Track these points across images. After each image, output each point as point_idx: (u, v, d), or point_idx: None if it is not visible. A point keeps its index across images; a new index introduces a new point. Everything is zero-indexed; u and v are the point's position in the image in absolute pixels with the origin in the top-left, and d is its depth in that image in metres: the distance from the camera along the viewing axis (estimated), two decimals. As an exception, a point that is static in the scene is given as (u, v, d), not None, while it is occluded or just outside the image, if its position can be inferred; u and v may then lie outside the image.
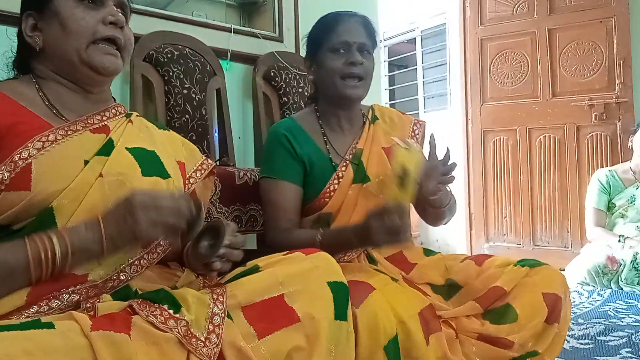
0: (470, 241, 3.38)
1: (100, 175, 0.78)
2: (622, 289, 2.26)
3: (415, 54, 4.20)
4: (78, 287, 0.73)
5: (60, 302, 0.72)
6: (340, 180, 1.19)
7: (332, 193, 1.19)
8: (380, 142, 1.25)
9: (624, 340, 1.64)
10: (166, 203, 0.73)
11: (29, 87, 0.84)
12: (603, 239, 2.47)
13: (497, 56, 3.24)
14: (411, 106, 4.19)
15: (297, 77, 2.10)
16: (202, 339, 0.67)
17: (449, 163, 1.10)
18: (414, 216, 1.47)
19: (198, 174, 1.01)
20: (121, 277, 0.78)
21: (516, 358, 1.00)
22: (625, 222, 2.48)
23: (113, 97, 0.95)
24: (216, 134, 1.89)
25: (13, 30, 0.90)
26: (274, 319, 0.72)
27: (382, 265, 1.17)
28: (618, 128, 2.91)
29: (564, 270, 2.38)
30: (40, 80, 0.85)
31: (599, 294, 2.22)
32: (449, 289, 1.14)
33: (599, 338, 1.68)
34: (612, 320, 1.86)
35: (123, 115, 0.91)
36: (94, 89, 0.88)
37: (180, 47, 1.83)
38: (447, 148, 1.12)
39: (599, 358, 1.52)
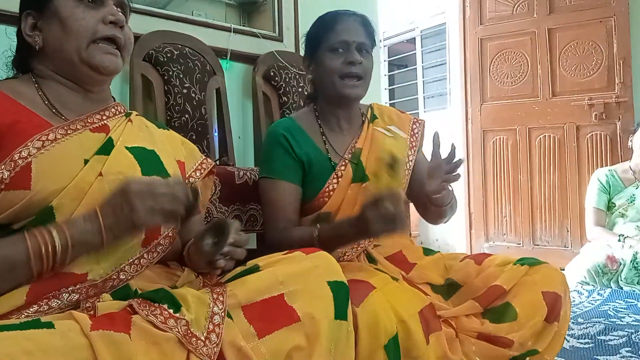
0: (470, 241, 3.38)
1: (100, 174, 0.78)
2: (622, 288, 2.26)
3: (415, 53, 4.20)
4: (78, 286, 0.73)
5: (59, 302, 0.72)
6: (340, 179, 1.19)
7: (331, 192, 1.19)
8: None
9: (623, 339, 1.64)
10: (162, 189, 0.73)
11: (28, 86, 0.84)
12: (603, 238, 2.47)
13: (496, 56, 3.24)
14: (411, 106, 4.19)
15: (297, 76, 2.10)
16: (202, 338, 0.67)
17: (455, 160, 1.08)
18: (414, 215, 1.47)
19: (198, 174, 1.01)
20: (121, 277, 0.78)
21: (516, 357, 1.00)
22: (625, 222, 2.48)
23: (113, 97, 0.95)
24: (216, 134, 1.89)
25: (12, 30, 0.89)
26: (274, 319, 0.72)
27: (381, 265, 1.17)
28: (618, 128, 2.91)
29: (563, 269, 2.38)
30: (39, 79, 0.85)
31: (598, 294, 2.22)
32: (449, 289, 1.14)
33: (598, 337, 1.68)
34: (612, 319, 1.86)
35: (123, 114, 0.91)
36: (94, 88, 0.88)
37: (180, 46, 1.83)
38: (453, 145, 1.10)
39: (598, 357, 1.52)
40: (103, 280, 0.76)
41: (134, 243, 0.80)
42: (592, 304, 2.10)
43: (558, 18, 3.05)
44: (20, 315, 0.69)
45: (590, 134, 2.99)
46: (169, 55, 1.77)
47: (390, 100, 4.49)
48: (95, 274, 0.75)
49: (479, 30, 3.29)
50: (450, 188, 1.15)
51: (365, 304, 0.88)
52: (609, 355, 1.53)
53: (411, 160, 1.28)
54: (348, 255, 1.16)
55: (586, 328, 1.75)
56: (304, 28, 1.30)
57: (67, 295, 0.72)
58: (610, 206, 2.56)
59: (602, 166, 2.81)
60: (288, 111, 2.01)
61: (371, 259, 1.19)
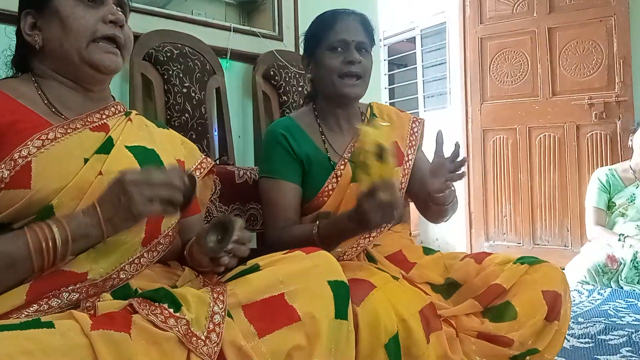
0: (470, 240, 3.38)
1: (100, 173, 0.78)
2: (622, 287, 2.26)
3: (415, 52, 4.20)
4: (78, 285, 0.73)
5: (59, 301, 0.72)
6: (339, 179, 1.19)
7: (331, 192, 1.18)
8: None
9: (624, 339, 1.64)
10: (157, 177, 0.72)
11: (28, 85, 0.84)
12: (603, 237, 2.47)
13: (497, 55, 3.24)
14: (411, 105, 4.19)
15: (297, 75, 2.09)
16: (203, 337, 0.67)
17: (458, 159, 1.07)
18: (414, 215, 1.47)
19: (197, 173, 1.01)
20: (121, 276, 0.78)
21: (516, 356, 1.00)
22: (625, 221, 2.48)
23: (112, 96, 0.95)
24: (216, 133, 1.89)
25: (12, 29, 0.89)
26: (275, 318, 0.72)
27: (381, 264, 1.17)
28: (618, 127, 2.91)
29: (564, 269, 2.38)
30: (39, 78, 0.85)
31: (599, 293, 2.22)
32: (449, 288, 1.14)
33: (599, 337, 1.68)
34: (612, 319, 1.86)
35: (122, 113, 0.91)
36: (94, 87, 0.88)
37: (179, 45, 1.83)
38: (457, 143, 1.09)
39: (599, 357, 1.52)
40: (103, 280, 0.76)
41: (134, 242, 0.80)
42: (593, 304, 2.10)
43: (558, 17, 3.05)
44: (20, 314, 0.69)
45: (591, 133, 2.99)
46: (168, 54, 1.77)
47: (390, 99, 4.49)
48: (95, 273, 0.75)
49: (479, 30, 3.29)
50: (452, 187, 1.14)
51: (365, 303, 0.88)
52: (609, 354, 1.53)
53: (411, 160, 1.28)
54: (348, 255, 1.16)
55: (586, 327, 1.75)
56: (304, 27, 1.30)
57: (67, 294, 0.72)
58: (610, 205, 2.56)
59: (602, 165, 2.81)
60: (288, 110, 2.01)
61: (371, 258, 1.19)
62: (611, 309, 2.01)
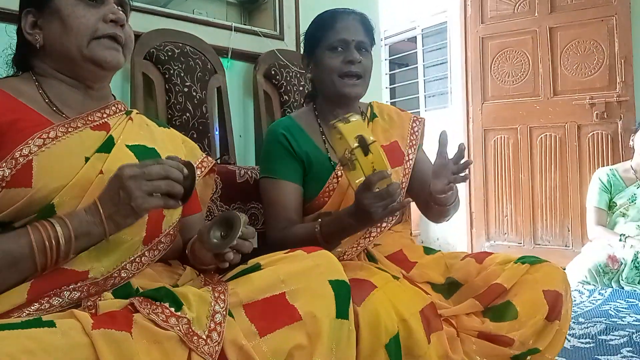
0: (471, 240, 3.38)
1: (101, 172, 0.78)
2: (622, 288, 2.26)
3: (416, 52, 4.20)
4: (79, 284, 0.73)
5: (61, 300, 0.72)
6: (339, 179, 1.18)
7: (332, 192, 1.18)
8: (380, 140, 1.24)
9: (624, 339, 1.64)
10: (155, 170, 0.72)
11: (28, 84, 0.84)
12: (604, 238, 2.47)
13: (498, 55, 3.23)
14: (412, 105, 4.19)
15: (298, 75, 2.09)
16: (204, 337, 0.67)
17: (462, 161, 1.06)
18: (415, 214, 1.47)
19: (198, 172, 1.01)
20: (122, 275, 0.78)
21: (517, 356, 1.00)
22: (626, 221, 2.48)
23: (113, 95, 0.95)
24: (217, 132, 1.89)
25: (13, 28, 0.89)
26: (276, 317, 0.72)
27: (382, 264, 1.16)
28: (619, 127, 2.90)
29: (564, 269, 2.38)
30: (40, 77, 0.85)
31: (599, 293, 2.22)
32: (449, 287, 1.14)
33: (599, 337, 1.67)
34: (612, 319, 1.86)
35: (123, 112, 0.91)
36: (95, 84, 0.88)
37: (181, 45, 1.83)
38: (461, 145, 1.08)
39: (599, 357, 1.52)
40: (104, 278, 0.76)
41: (135, 241, 0.80)
42: (593, 304, 2.10)
43: (559, 17, 3.05)
44: (21, 313, 0.69)
45: (592, 133, 2.99)
46: (169, 53, 1.77)
47: (391, 99, 4.49)
48: (97, 271, 0.75)
49: (480, 29, 3.29)
50: (455, 188, 1.14)
51: (366, 303, 0.88)
52: (610, 355, 1.53)
53: (411, 159, 1.28)
54: (348, 255, 1.16)
55: (587, 328, 1.75)
56: (305, 26, 1.30)
57: (68, 293, 0.72)
58: (611, 205, 2.56)
59: (603, 165, 2.81)
60: (289, 110, 2.01)
61: (371, 258, 1.18)
62: (612, 309, 2.01)
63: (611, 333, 1.70)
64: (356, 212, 0.99)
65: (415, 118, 1.34)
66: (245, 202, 1.46)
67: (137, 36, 1.65)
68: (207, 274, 0.93)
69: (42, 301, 0.71)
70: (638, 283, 2.25)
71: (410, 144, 1.29)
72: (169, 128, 1.03)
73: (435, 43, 4.05)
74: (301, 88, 2.08)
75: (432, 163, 1.12)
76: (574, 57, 3.01)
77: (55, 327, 0.61)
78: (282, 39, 2.18)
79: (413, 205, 1.30)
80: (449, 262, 1.20)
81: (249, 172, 1.48)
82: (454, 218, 1.27)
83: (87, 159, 0.78)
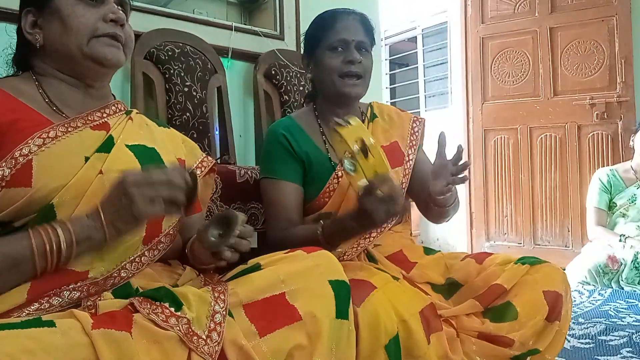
0: (471, 240, 3.38)
1: (101, 172, 0.78)
2: (622, 288, 2.26)
3: (416, 52, 4.20)
4: (79, 284, 0.73)
5: (60, 300, 0.72)
6: (340, 179, 1.18)
7: (332, 192, 1.18)
8: (380, 140, 1.24)
9: (624, 339, 1.64)
10: (158, 177, 0.72)
11: (28, 84, 0.84)
12: (604, 238, 2.47)
13: (498, 55, 3.23)
14: (412, 105, 4.19)
15: (298, 75, 2.09)
16: (204, 337, 0.67)
17: (461, 162, 1.06)
18: (415, 214, 1.47)
19: (198, 172, 1.01)
20: (122, 274, 0.78)
21: (517, 356, 1.00)
22: (626, 222, 2.48)
23: (113, 94, 0.95)
24: (217, 132, 1.89)
25: (13, 27, 0.89)
26: (276, 317, 0.72)
27: (382, 264, 1.16)
28: (619, 127, 2.90)
29: (564, 269, 2.38)
30: (40, 77, 0.85)
31: (599, 294, 2.22)
32: (449, 288, 1.14)
33: (599, 337, 1.67)
34: (612, 319, 1.86)
35: (123, 112, 0.91)
36: (95, 82, 0.88)
37: (181, 44, 1.83)
38: (459, 146, 1.08)
39: (599, 357, 1.52)
40: (104, 278, 0.76)
41: (135, 240, 0.80)
42: (593, 304, 2.10)
43: (560, 17, 3.05)
44: (21, 313, 0.69)
45: (592, 133, 2.99)
46: (170, 53, 1.77)
47: (391, 99, 4.48)
48: (97, 271, 0.75)
49: (481, 29, 3.29)
50: (454, 188, 1.14)
51: (366, 304, 0.88)
52: (610, 355, 1.53)
53: (411, 160, 1.28)
54: (348, 255, 1.16)
55: (587, 328, 1.75)
56: (305, 26, 1.30)
57: (68, 293, 0.72)
58: (611, 206, 2.56)
59: (604, 166, 2.81)
60: (289, 110, 2.01)
61: (371, 258, 1.18)
62: (612, 309, 2.01)
63: (611, 333, 1.70)
64: (358, 215, 0.99)
65: (415, 118, 1.34)
66: (245, 202, 1.46)
67: (138, 36, 1.65)
68: (207, 274, 0.93)
69: (42, 301, 0.70)
70: (638, 283, 2.25)
71: (411, 144, 1.29)
72: (169, 128, 1.03)
73: (435, 43, 4.05)
74: (301, 88, 2.08)
75: (432, 164, 1.12)
76: (574, 57, 3.01)
77: (55, 326, 0.61)
78: (283, 39, 2.18)
79: (413, 205, 1.30)
80: (449, 262, 1.20)
81: (249, 172, 1.48)
82: (454, 218, 1.27)
83: (86, 159, 0.78)
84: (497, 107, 3.25)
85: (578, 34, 3.00)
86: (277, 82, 2.04)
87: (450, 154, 1.08)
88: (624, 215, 2.50)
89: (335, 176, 1.19)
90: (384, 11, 3.36)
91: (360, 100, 1.29)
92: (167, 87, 1.74)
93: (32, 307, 0.70)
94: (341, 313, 0.77)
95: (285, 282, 0.75)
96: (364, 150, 0.93)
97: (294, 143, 1.20)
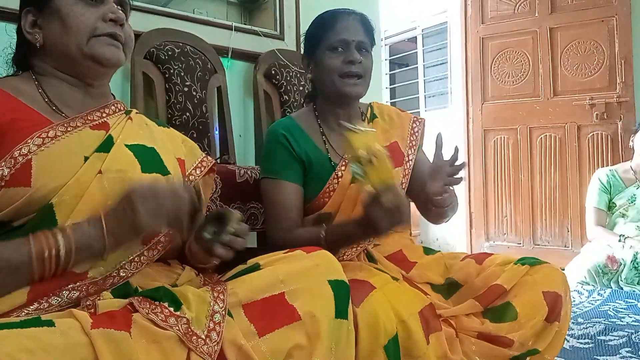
0: (471, 240, 3.38)
1: (100, 171, 0.78)
2: (622, 288, 2.26)
3: (416, 52, 4.20)
4: (78, 284, 0.73)
5: (59, 299, 0.72)
6: (340, 179, 1.18)
7: (332, 193, 1.18)
8: (379, 140, 1.24)
9: (623, 339, 1.64)
10: (166, 194, 0.72)
11: (28, 83, 0.84)
12: (603, 238, 2.47)
13: (498, 55, 3.23)
14: (412, 105, 4.19)
15: (298, 75, 2.09)
16: (203, 337, 0.67)
17: (457, 163, 1.07)
18: (414, 215, 1.47)
19: (198, 171, 1.01)
20: (121, 274, 0.78)
21: (516, 356, 1.00)
22: (625, 222, 2.48)
23: (112, 94, 0.95)
24: (217, 132, 1.89)
25: (12, 27, 0.89)
26: (275, 317, 0.72)
27: (381, 264, 1.16)
28: (619, 127, 2.90)
29: (564, 269, 2.38)
30: (39, 76, 0.85)
31: (599, 294, 2.22)
32: (449, 288, 1.14)
33: (598, 337, 1.68)
34: (612, 319, 1.86)
35: (123, 112, 0.91)
36: (95, 82, 0.88)
37: (181, 44, 1.83)
38: (456, 147, 1.09)
39: (598, 357, 1.52)
40: (103, 278, 0.76)
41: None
42: (592, 304, 2.10)
43: (560, 17, 3.05)
44: (20, 312, 0.69)
45: (592, 133, 2.99)
46: (170, 53, 1.77)
47: (391, 99, 4.48)
48: (96, 271, 0.75)
49: (481, 29, 3.29)
50: (452, 189, 1.14)
51: (365, 304, 0.88)
52: (609, 355, 1.53)
53: (411, 160, 1.28)
54: (348, 255, 1.16)
55: (586, 328, 1.75)
56: (306, 26, 1.30)
57: (67, 292, 0.72)
58: (610, 206, 2.56)
59: (603, 166, 2.81)
60: (289, 110, 2.01)
61: (371, 258, 1.19)
62: (611, 309, 2.01)
63: (610, 333, 1.70)
64: (363, 222, 1.00)
65: (415, 119, 1.34)
66: (245, 201, 1.46)
67: (137, 35, 1.65)
68: (206, 274, 0.93)
69: (41, 301, 0.70)
70: (637, 283, 2.25)
71: (410, 144, 1.29)
72: (168, 127, 1.03)
73: (435, 43, 4.05)
74: (301, 88, 2.08)
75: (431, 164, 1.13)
76: (574, 58, 3.01)
77: (55, 326, 0.61)
78: (283, 39, 2.18)
79: (412, 205, 1.30)
80: (449, 262, 1.20)
81: (248, 172, 1.48)
82: (454, 218, 1.27)
83: (86, 159, 0.78)
84: (497, 107, 3.25)
85: (578, 35, 3.00)
86: (277, 82, 2.04)
87: (448, 154, 1.08)
88: (623, 216, 2.50)
89: (335, 176, 1.19)
90: (384, 11, 3.36)
91: (360, 101, 1.29)
92: (167, 86, 1.74)
93: (32, 307, 0.70)
94: (340, 313, 0.77)
95: (284, 282, 0.75)
96: (371, 157, 0.94)
97: (294, 143, 1.20)
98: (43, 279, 0.69)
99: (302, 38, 1.32)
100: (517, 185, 3.20)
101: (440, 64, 4.00)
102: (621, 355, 1.53)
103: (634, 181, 2.52)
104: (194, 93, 1.79)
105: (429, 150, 1.25)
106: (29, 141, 0.74)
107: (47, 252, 0.67)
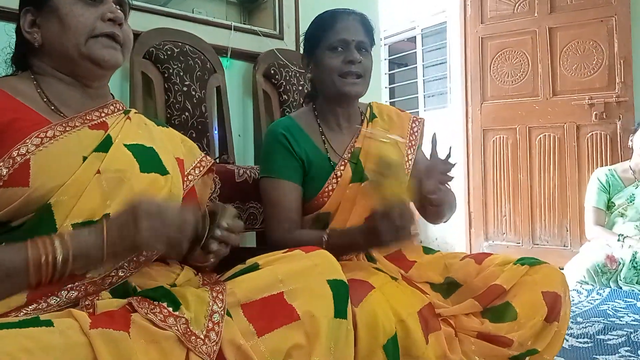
0: (470, 240, 3.38)
1: (98, 171, 0.78)
2: (621, 288, 2.26)
3: (416, 52, 4.20)
4: (77, 284, 0.73)
5: (58, 299, 0.71)
6: (339, 179, 1.18)
7: (331, 192, 1.18)
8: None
9: (622, 339, 1.64)
10: (172, 214, 0.71)
11: (27, 83, 0.84)
12: (602, 237, 2.47)
13: (497, 55, 3.23)
14: (411, 104, 4.19)
15: (297, 74, 2.09)
16: (202, 336, 0.67)
17: (450, 161, 1.09)
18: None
19: (197, 171, 1.01)
20: (120, 274, 0.78)
21: (516, 356, 1.00)
22: (624, 221, 2.48)
23: (112, 94, 0.94)
24: (216, 132, 1.89)
25: (12, 27, 0.89)
26: (274, 317, 0.72)
27: (381, 264, 1.17)
28: (618, 127, 2.90)
29: (563, 269, 2.39)
30: (38, 76, 0.85)
31: (598, 293, 2.22)
32: (448, 287, 1.14)
33: (598, 337, 1.68)
34: (611, 319, 1.87)
35: (121, 112, 0.91)
36: (93, 83, 0.87)
37: (180, 44, 1.83)
38: (449, 147, 1.11)
39: (598, 357, 1.52)
40: (102, 278, 0.76)
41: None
42: (592, 304, 2.10)
43: (559, 17, 3.05)
44: (18, 313, 0.69)
45: (591, 133, 2.99)
46: (169, 52, 1.77)
47: (390, 99, 4.48)
48: (94, 271, 0.75)
49: (480, 29, 3.29)
50: (447, 187, 1.15)
51: (364, 304, 0.88)
52: (608, 354, 1.53)
53: (410, 160, 1.28)
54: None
55: (585, 327, 1.75)
56: (305, 26, 1.30)
57: (65, 292, 0.72)
58: (609, 206, 2.56)
59: (602, 166, 2.81)
60: (288, 109, 2.01)
61: (370, 258, 1.19)
62: (610, 309, 2.02)
63: (609, 333, 1.70)
64: (367, 232, 1.01)
65: (414, 118, 1.35)
66: (244, 201, 1.46)
67: (137, 35, 1.64)
68: (205, 274, 0.93)
69: (40, 301, 0.70)
70: (636, 283, 2.25)
71: (410, 144, 1.29)
72: (167, 127, 1.03)
73: (434, 43, 4.05)
74: (300, 88, 2.08)
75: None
76: (574, 58, 3.01)
77: (53, 326, 0.61)
78: (282, 39, 2.18)
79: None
80: (448, 262, 1.21)
81: (248, 172, 1.48)
82: (453, 218, 1.28)
83: (84, 159, 0.78)
84: (496, 107, 3.25)
85: (577, 34, 3.00)
86: (276, 82, 2.04)
87: (443, 153, 1.11)
88: (622, 215, 2.50)
89: (334, 176, 1.19)
90: (384, 11, 3.36)
91: (360, 100, 1.29)
92: (166, 86, 1.74)
93: (30, 307, 0.69)
94: (339, 313, 0.77)
95: (283, 281, 0.75)
96: (387, 169, 0.94)
97: (293, 143, 1.20)
98: (39, 285, 0.68)
99: (301, 38, 1.32)
100: (516, 185, 3.20)
101: (440, 63, 4.00)
102: (620, 354, 1.53)
103: (633, 181, 2.52)
104: (193, 93, 1.79)
105: (429, 151, 1.25)
106: (27, 141, 0.74)
107: (44, 258, 0.66)
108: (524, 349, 1.01)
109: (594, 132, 2.98)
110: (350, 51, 1.18)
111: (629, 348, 1.57)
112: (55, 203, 0.73)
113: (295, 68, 2.08)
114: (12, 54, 0.90)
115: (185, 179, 0.97)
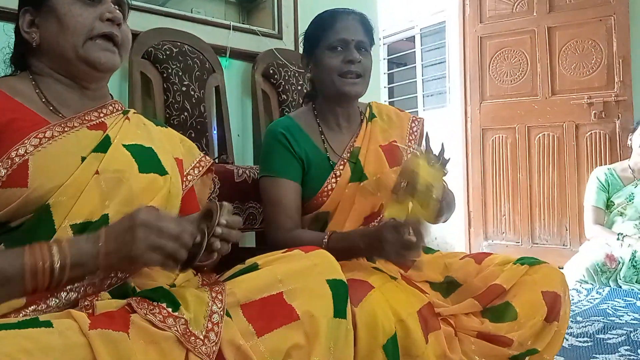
0: (469, 239, 3.39)
1: (97, 172, 0.78)
2: (620, 287, 2.26)
3: (415, 51, 4.20)
4: (76, 285, 0.73)
5: (57, 300, 0.71)
6: (338, 179, 1.18)
7: (330, 192, 1.18)
8: (378, 140, 1.25)
9: (622, 338, 1.64)
10: (170, 226, 0.69)
11: (26, 83, 0.83)
12: (602, 237, 2.48)
13: (496, 54, 3.24)
14: (410, 104, 4.19)
15: (296, 74, 2.09)
16: (201, 337, 0.67)
17: (446, 158, 1.08)
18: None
19: (196, 171, 1.01)
20: (119, 274, 0.78)
21: (515, 356, 1.00)
22: (623, 220, 2.48)
23: (110, 94, 0.94)
24: (215, 132, 1.88)
25: (10, 27, 0.89)
26: (273, 317, 0.72)
27: (380, 264, 1.16)
28: (617, 126, 2.91)
29: (562, 268, 2.39)
30: (37, 76, 0.85)
31: (597, 292, 2.22)
32: (448, 286, 1.14)
33: (597, 336, 1.68)
34: (610, 318, 1.87)
35: (120, 112, 0.91)
36: (90, 85, 0.87)
37: (179, 44, 1.82)
38: (442, 144, 1.10)
39: (597, 356, 1.52)
40: (101, 279, 0.76)
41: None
42: (591, 303, 2.10)
43: (558, 16, 3.05)
44: (18, 314, 0.69)
45: (590, 132, 2.99)
46: (168, 52, 1.77)
47: (389, 98, 4.49)
48: (91, 279, 0.74)
49: (479, 29, 3.29)
50: (444, 184, 1.14)
51: (363, 304, 0.88)
52: (608, 353, 1.54)
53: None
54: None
55: (585, 327, 1.75)
56: (304, 26, 1.30)
57: (65, 294, 0.72)
58: (609, 205, 2.56)
59: (601, 165, 2.81)
60: (287, 109, 2.01)
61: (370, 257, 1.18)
62: (610, 308, 2.02)
63: (609, 332, 1.70)
64: (370, 238, 1.00)
65: (414, 118, 1.35)
66: (244, 201, 1.46)
67: (135, 35, 1.64)
68: (204, 274, 0.93)
69: (39, 302, 0.70)
70: (636, 282, 2.25)
71: (409, 144, 1.29)
72: (166, 127, 1.03)
73: (433, 42, 4.05)
74: (300, 87, 2.08)
75: None
76: (572, 57, 3.01)
77: (53, 327, 0.61)
78: (281, 38, 2.18)
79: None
80: (448, 261, 1.21)
81: (247, 172, 1.48)
82: (452, 217, 1.28)
83: (83, 159, 0.78)
84: (495, 107, 3.25)
85: (576, 34, 3.00)
86: (275, 82, 2.04)
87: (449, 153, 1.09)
88: (621, 214, 2.50)
89: (334, 175, 1.19)
90: (383, 11, 3.36)
91: (359, 100, 1.29)
92: (165, 86, 1.74)
93: (30, 308, 0.69)
94: (339, 312, 0.77)
95: (283, 281, 0.75)
96: (421, 189, 0.94)
97: (293, 142, 1.20)
98: (36, 292, 0.67)
99: (300, 37, 1.32)
100: (516, 184, 3.20)
101: (439, 63, 4.00)
102: (620, 353, 1.53)
103: (632, 180, 2.52)
104: (192, 93, 1.79)
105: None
106: (26, 142, 0.74)
107: (41, 264, 0.65)
108: (523, 348, 1.01)
109: (593, 132, 2.98)
110: (349, 51, 1.18)
111: (628, 347, 1.57)
112: (54, 203, 0.73)
113: (294, 68, 2.08)
114: (11, 54, 0.90)
115: (184, 179, 0.97)
